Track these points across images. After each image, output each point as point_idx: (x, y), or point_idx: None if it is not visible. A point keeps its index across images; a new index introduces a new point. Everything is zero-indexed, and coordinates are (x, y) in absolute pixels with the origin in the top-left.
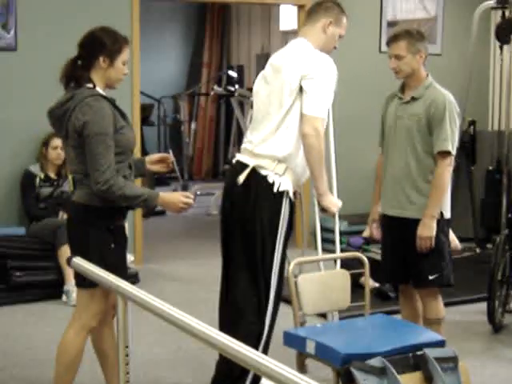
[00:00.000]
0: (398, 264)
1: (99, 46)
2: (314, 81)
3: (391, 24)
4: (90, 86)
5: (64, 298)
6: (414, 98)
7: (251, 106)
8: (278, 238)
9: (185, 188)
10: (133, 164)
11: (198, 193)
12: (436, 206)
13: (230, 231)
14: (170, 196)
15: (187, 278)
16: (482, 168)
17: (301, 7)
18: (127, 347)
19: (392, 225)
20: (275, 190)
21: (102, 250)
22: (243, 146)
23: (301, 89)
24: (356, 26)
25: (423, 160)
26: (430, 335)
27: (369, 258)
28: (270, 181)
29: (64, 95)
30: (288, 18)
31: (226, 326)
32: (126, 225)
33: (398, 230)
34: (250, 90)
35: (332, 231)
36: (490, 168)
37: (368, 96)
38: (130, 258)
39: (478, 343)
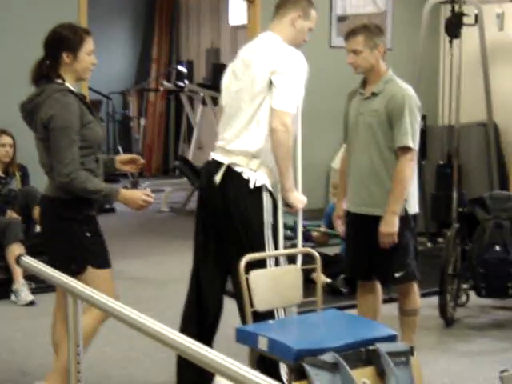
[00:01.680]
0: (360, 260)
1: (60, 42)
2: (283, 75)
3: (341, 19)
4: (60, 81)
5: (13, 297)
6: (374, 94)
7: (202, 102)
8: (266, 233)
9: (135, 185)
10: (100, 159)
11: (148, 190)
12: (397, 202)
13: (209, 232)
14: (130, 193)
15: (138, 276)
16: (432, 162)
17: (250, 2)
18: (78, 346)
19: (356, 221)
20: (251, 185)
21: (79, 238)
22: (217, 143)
23: (271, 83)
24: None
25: (387, 156)
26: (382, 330)
27: (321, 254)
28: (246, 177)
29: (35, 91)
30: (237, 12)
31: (193, 325)
32: None
33: (362, 226)
34: (200, 85)
35: (289, 228)
36: (441, 162)
37: (318, 91)
38: None
39: (429, 337)
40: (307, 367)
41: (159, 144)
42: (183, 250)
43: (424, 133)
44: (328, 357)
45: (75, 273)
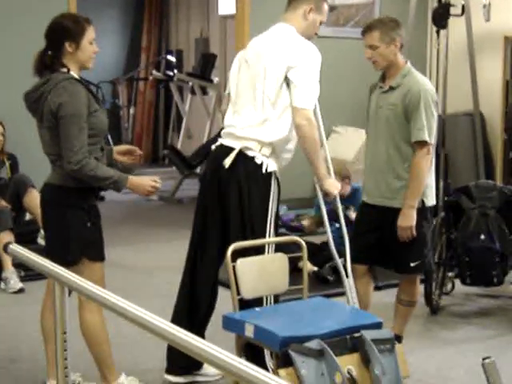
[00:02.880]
0: (369, 247)
1: (62, 32)
2: (301, 72)
3: (330, 9)
4: (65, 70)
5: (2, 285)
6: (392, 87)
7: (191, 91)
8: (269, 218)
9: (129, 172)
10: (105, 147)
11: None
12: (414, 195)
13: (212, 217)
14: (139, 180)
15: (127, 264)
16: None
17: None
18: (65, 333)
19: (372, 212)
20: (263, 170)
21: (79, 229)
22: (225, 130)
23: (287, 79)
24: None
25: (402, 149)
26: (368, 317)
27: (308, 243)
28: (258, 162)
29: (40, 80)
30: (227, 2)
31: (186, 314)
32: None
33: (378, 217)
34: (189, 74)
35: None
36: None
37: None
38: None
39: (415, 325)
40: (293, 354)
41: (148, 133)
42: (172, 238)
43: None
44: (314, 344)
45: (70, 263)
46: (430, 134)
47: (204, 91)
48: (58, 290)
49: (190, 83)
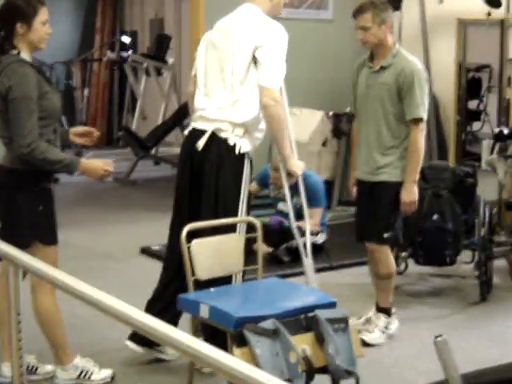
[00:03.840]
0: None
1: (13, 13)
2: (268, 51)
3: None
4: (15, 52)
5: None
6: (382, 67)
7: (145, 72)
8: (241, 198)
9: (78, 155)
10: (58, 129)
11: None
12: (415, 170)
13: (188, 198)
14: (91, 163)
15: (81, 246)
16: None
17: None
18: (19, 315)
19: (364, 189)
20: (237, 152)
21: (30, 212)
22: (197, 114)
23: (254, 59)
24: None
25: (395, 127)
26: (322, 297)
27: (263, 224)
28: (231, 143)
29: None
30: None
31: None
32: None
33: (369, 193)
34: (144, 55)
35: None
36: None
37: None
38: None
39: (368, 304)
40: (247, 334)
41: (103, 114)
42: (127, 219)
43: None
44: (268, 324)
45: (22, 246)
46: (424, 111)
47: (159, 72)
48: (12, 272)
49: (145, 64)
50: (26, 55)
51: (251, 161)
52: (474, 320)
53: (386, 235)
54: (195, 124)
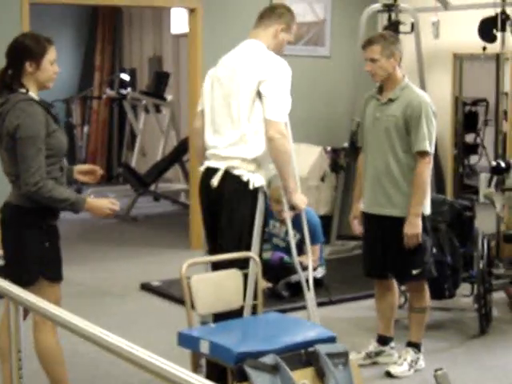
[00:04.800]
0: (377, 259)
1: (23, 52)
2: (272, 85)
3: None
4: (23, 90)
5: None
6: (390, 100)
7: (144, 110)
8: (255, 231)
9: (79, 192)
10: (64, 168)
11: (92, 197)
12: (419, 204)
13: (210, 232)
14: (97, 201)
15: (81, 282)
16: None
17: (192, 11)
18: (20, 352)
19: (372, 222)
20: (251, 187)
21: (37, 248)
22: (209, 151)
23: (259, 93)
24: (246, 30)
25: (402, 159)
26: (322, 332)
27: (262, 259)
28: (245, 179)
29: None
30: (179, 21)
31: None
32: None
33: (378, 227)
34: (143, 93)
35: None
36: None
37: None
38: None
39: (369, 339)
40: (248, 369)
41: (102, 151)
42: (127, 255)
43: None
44: (268, 359)
45: (26, 283)
46: (431, 145)
47: (158, 109)
48: (13, 309)
49: (144, 101)
50: (33, 94)
51: (265, 193)
52: (473, 353)
53: (414, 272)
54: (208, 162)
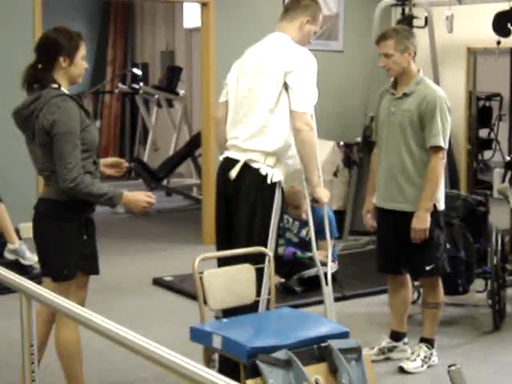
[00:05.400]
0: (391, 255)
1: (57, 46)
2: (298, 76)
3: None
4: (55, 86)
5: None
6: (405, 94)
7: (157, 104)
8: (272, 226)
9: None
10: (97, 161)
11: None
12: (429, 199)
13: (225, 224)
14: (133, 195)
15: (93, 277)
16: None
17: (204, 5)
18: (32, 346)
19: (386, 217)
20: (269, 181)
21: (76, 242)
22: (230, 142)
23: (285, 85)
24: (258, 23)
25: (416, 154)
26: (334, 327)
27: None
28: (263, 173)
29: (29, 96)
30: (192, 15)
31: None
32: (31, 224)
33: (392, 222)
34: (155, 87)
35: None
36: None
37: None
38: (35, 257)
39: (381, 334)
40: (261, 365)
41: (115, 146)
42: (139, 250)
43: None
44: (281, 354)
45: (65, 278)
46: (445, 140)
47: (170, 104)
48: (25, 303)
49: (156, 96)
50: (65, 89)
51: (283, 190)
52: (487, 349)
53: (427, 268)
54: (228, 153)
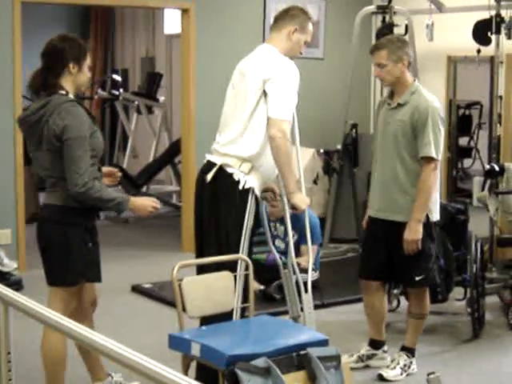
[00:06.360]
0: (377, 262)
1: (66, 53)
2: (276, 84)
3: None
4: (63, 92)
5: None
6: (400, 104)
7: (136, 110)
8: (244, 232)
9: None
10: (101, 168)
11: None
12: (421, 209)
13: (202, 228)
14: (140, 200)
15: None
16: (364, 170)
17: (184, 11)
18: (9, 354)
19: (378, 226)
20: (240, 187)
21: (80, 248)
22: (212, 146)
23: (265, 93)
24: (239, 30)
25: (409, 165)
26: (313, 335)
27: (253, 261)
28: (236, 179)
29: (37, 102)
30: (172, 21)
31: None
32: (9, 231)
33: (384, 232)
34: (135, 93)
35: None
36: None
37: None
38: (13, 264)
39: (361, 342)
40: (239, 373)
41: None
42: (118, 257)
43: (356, 141)
44: (260, 362)
45: (70, 284)
46: (437, 150)
47: (150, 110)
48: (2, 310)
49: (136, 102)
50: (72, 96)
51: (257, 197)
52: (466, 357)
53: (417, 278)
54: (209, 156)
